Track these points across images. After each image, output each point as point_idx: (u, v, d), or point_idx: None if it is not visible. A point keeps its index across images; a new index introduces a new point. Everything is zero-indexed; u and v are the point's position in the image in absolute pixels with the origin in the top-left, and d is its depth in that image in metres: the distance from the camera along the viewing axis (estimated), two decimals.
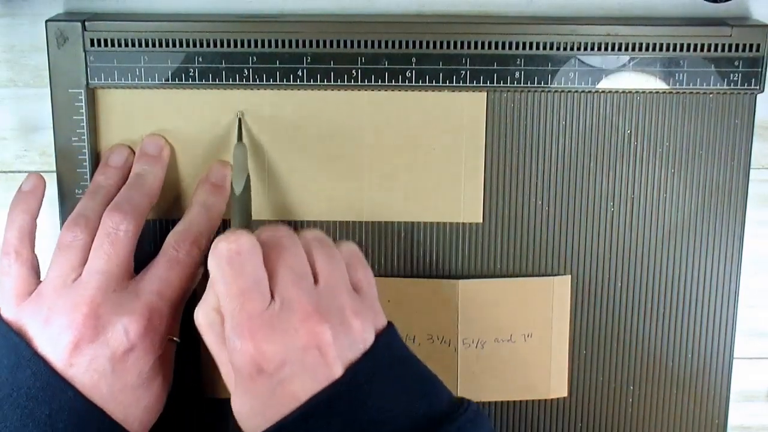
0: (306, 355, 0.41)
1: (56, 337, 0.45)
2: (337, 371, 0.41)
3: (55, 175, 0.51)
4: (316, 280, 0.43)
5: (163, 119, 0.51)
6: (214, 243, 0.43)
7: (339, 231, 0.53)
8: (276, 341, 0.41)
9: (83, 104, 0.50)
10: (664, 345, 0.55)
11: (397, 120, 0.51)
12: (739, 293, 0.54)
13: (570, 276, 0.53)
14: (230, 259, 0.42)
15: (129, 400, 0.46)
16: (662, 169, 0.52)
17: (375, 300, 0.45)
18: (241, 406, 0.43)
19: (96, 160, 0.51)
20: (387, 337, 0.44)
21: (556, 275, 0.53)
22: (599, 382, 0.55)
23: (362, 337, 0.42)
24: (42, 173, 0.53)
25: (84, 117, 0.50)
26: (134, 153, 0.51)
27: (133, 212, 0.47)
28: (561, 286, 0.53)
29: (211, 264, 0.43)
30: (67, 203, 0.51)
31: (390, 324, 0.45)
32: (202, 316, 0.44)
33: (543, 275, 0.53)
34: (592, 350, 0.55)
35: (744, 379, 0.57)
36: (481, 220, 0.53)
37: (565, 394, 0.55)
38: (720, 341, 0.55)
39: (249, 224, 0.49)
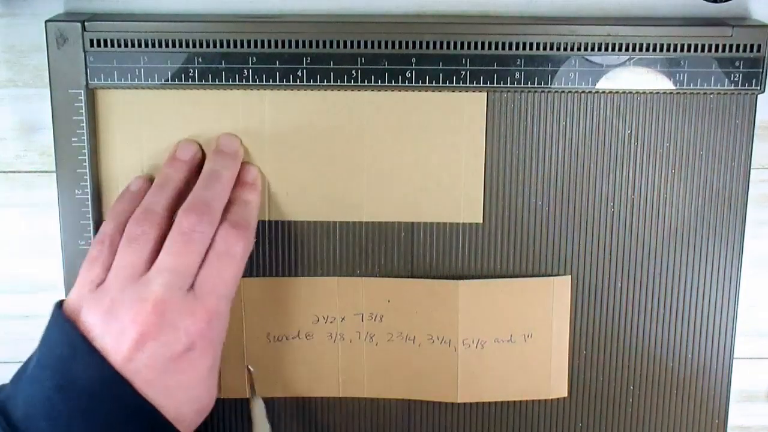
0: None
1: (119, 331, 0.44)
2: None
3: (54, 175, 0.51)
4: None
5: (163, 119, 0.51)
6: None
7: (339, 231, 0.53)
8: None
9: (83, 104, 0.50)
10: (664, 345, 0.55)
11: (397, 120, 0.51)
12: (739, 293, 0.54)
13: (570, 276, 0.53)
14: None
15: (182, 400, 0.46)
16: (662, 169, 0.52)
17: None
18: None
19: (96, 160, 0.51)
20: None
21: (556, 275, 0.53)
22: (599, 382, 0.55)
23: None
24: (41, 173, 0.53)
25: (84, 117, 0.50)
26: (201, 149, 0.51)
27: (209, 215, 0.47)
28: (561, 287, 0.53)
29: None
30: (66, 204, 0.51)
31: None
32: None
33: (543, 275, 0.53)
34: (592, 350, 0.55)
35: (744, 379, 0.57)
36: (481, 221, 0.53)
37: (565, 394, 0.55)
38: (720, 341, 0.55)
39: None
